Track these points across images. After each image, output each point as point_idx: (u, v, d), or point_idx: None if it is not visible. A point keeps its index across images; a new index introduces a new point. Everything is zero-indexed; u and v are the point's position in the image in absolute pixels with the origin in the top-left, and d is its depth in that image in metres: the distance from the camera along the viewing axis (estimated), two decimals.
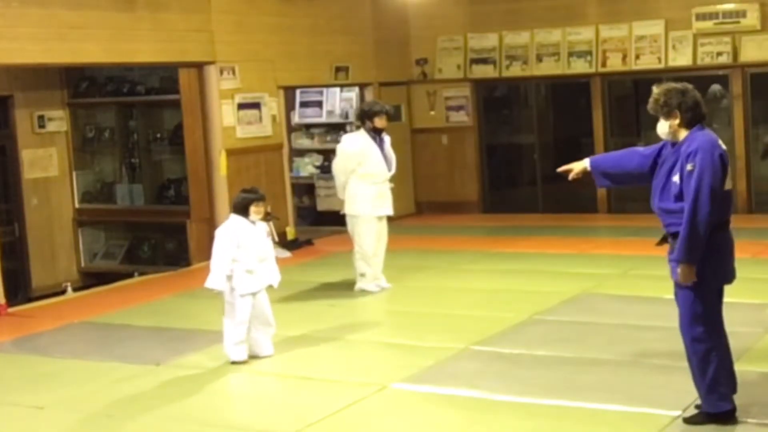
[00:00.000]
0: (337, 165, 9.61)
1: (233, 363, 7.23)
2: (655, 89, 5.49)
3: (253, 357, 7.34)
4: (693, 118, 5.38)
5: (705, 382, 5.39)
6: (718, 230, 5.30)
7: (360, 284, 9.55)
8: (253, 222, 7.32)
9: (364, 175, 9.43)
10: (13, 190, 12.64)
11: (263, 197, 7.41)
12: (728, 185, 5.34)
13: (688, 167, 5.25)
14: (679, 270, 5.30)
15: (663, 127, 5.45)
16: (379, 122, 9.51)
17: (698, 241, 5.21)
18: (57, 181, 13.14)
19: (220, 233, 7.31)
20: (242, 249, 7.21)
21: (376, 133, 9.52)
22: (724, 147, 5.37)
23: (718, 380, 5.36)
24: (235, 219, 7.31)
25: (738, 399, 5.49)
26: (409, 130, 14.98)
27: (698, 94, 5.44)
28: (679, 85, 5.45)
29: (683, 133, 5.39)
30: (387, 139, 9.67)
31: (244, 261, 7.22)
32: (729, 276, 5.48)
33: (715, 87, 13.39)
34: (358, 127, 9.75)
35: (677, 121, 5.39)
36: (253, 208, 7.29)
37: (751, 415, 5.51)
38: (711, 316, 5.37)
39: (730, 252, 5.45)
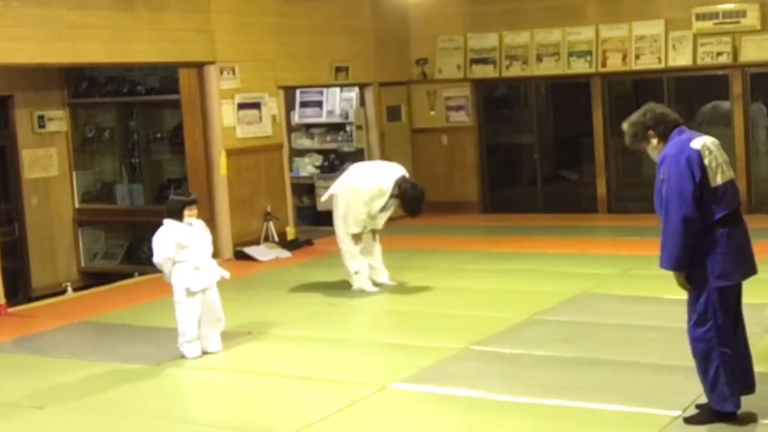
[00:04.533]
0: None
1: (183, 358, 7.43)
2: (624, 126, 5.56)
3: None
4: (665, 130, 5.43)
5: (707, 381, 5.41)
6: (714, 228, 5.29)
7: (357, 283, 9.52)
8: (189, 224, 7.47)
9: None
10: (13, 190, 12.65)
11: (195, 200, 7.62)
12: (719, 180, 5.29)
13: (661, 175, 5.32)
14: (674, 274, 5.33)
15: (651, 153, 5.53)
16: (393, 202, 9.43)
17: (675, 248, 5.23)
18: (57, 181, 13.15)
19: (155, 240, 7.46)
20: (186, 249, 7.38)
21: None
22: (697, 147, 5.27)
23: (720, 380, 5.36)
24: (169, 223, 7.45)
25: (741, 399, 5.48)
26: (409, 130, 14.97)
27: (662, 107, 5.51)
28: (640, 111, 5.52)
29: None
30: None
31: (191, 260, 7.40)
32: (736, 274, 5.41)
33: (721, 104, 13.35)
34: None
35: (655, 140, 5.47)
36: (186, 212, 7.45)
37: None
38: (712, 317, 5.35)
39: (735, 249, 5.37)
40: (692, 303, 5.41)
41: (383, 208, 9.42)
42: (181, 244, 7.37)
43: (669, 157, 5.30)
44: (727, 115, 13.29)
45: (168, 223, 7.45)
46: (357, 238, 9.44)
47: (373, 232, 9.62)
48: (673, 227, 5.22)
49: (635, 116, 5.50)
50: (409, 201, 9.30)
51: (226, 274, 7.66)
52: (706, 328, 5.35)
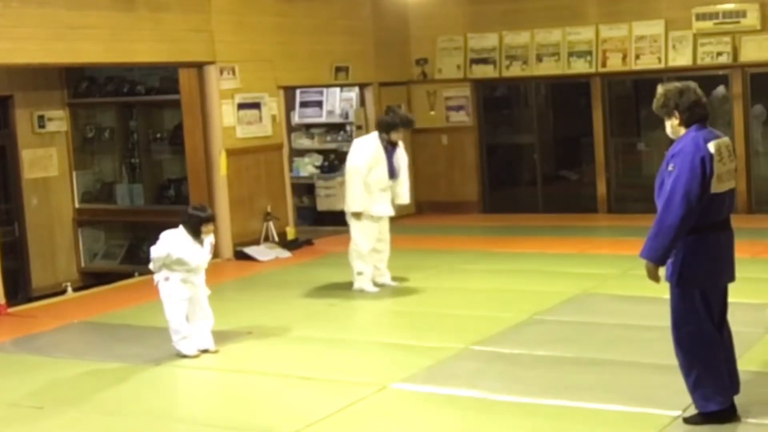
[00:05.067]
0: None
1: (182, 356, 7.40)
2: (659, 89, 5.53)
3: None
4: (690, 118, 5.39)
5: (690, 381, 5.42)
6: (705, 232, 5.30)
7: (358, 283, 9.52)
8: (200, 241, 7.42)
9: (372, 182, 9.45)
10: (13, 190, 12.64)
11: (213, 217, 7.60)
12: (720, 188, 5.29)
13: (669, 167, 5.30)
14: (645, 264, 5.33)
15: (667, 128, 5.51)
16: (395, 136, 9.55)
17: (664, 242, 5.23)
18: (57, 181, 13.14)
19: (164, 235, 7.42)
20: (181, 264, 7.35)
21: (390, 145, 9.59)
22: (712, 150, 5.26)
23: (702, 380, 5.37)
24: (182, 233, 7.40)
25: (738, 399, 5.48)
26: (409, 130, 14.95)
27: (698, 93, 5.44)
28: (680, 85, 5.48)
29: (682, 132, 5.42)
30: (400, 148, 9.73)
31: (182, 273, 7.38)
32: (721, 278, 5.45)
33: (720, 89, 13.34)
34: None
35: (677, 121, 5.43)
36: (203, 228, 7.41)
37: (751, 415, 5.51)
38: (695, 318, 5.35)
39: (720, 254, 5.41)
40: (673, 304, 5.41)
41: (392, 174, 9.48)
42: (182, 261, 7.35)
43: (684, 154, 5.26)
44: (722, 100, 13.27)
45: (182, 232, 7.40)
46: (358, 216, 9.44)
47: (398, 206, 9.68)
48: (671, 223, 5.21)
49: (673, 89, 5.43)
50: (396, 121, 9.65)
51: (208, 292, 7.62)
52: (687, 330, 5.36)
